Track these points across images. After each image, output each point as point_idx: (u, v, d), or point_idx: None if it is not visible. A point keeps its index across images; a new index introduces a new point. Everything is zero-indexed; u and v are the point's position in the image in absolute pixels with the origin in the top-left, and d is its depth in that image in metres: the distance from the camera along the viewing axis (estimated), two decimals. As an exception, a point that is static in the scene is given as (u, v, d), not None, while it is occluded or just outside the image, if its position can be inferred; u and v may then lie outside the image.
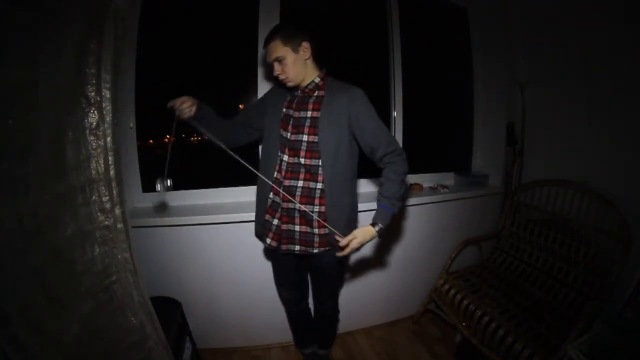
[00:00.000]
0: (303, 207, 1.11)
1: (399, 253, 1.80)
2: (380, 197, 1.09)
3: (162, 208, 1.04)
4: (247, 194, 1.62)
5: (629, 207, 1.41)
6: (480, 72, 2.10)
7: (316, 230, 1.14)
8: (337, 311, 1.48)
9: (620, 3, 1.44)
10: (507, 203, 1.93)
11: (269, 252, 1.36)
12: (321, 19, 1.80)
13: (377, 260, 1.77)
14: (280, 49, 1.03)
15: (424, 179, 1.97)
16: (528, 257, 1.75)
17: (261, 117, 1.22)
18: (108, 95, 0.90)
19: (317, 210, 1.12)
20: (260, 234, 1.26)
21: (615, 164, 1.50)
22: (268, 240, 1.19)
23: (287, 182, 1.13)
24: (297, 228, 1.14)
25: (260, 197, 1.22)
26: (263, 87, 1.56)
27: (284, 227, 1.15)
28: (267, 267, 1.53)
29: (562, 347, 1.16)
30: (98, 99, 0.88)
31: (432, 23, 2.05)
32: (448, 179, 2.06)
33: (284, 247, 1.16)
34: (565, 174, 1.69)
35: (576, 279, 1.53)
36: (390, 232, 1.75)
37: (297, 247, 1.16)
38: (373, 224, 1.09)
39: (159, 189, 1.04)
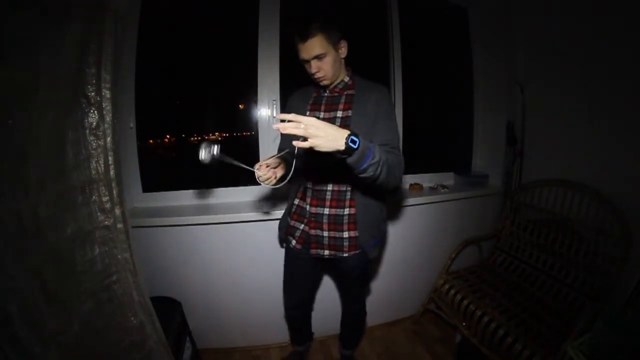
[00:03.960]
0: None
1: (399, 253, 1.80)
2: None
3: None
4: (247, 194, 1.63)
5: (629, 207, 1.41)
6: (480, 72, 2.09)
7: (345, 234, 1.11)
8: (365, 312, 1.46)
9: (620, 3, 1.44)
10: (507, 203, 1.92)
11: (288, 255, 1.30)
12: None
13: (377, 260, 1.77)
14: (323, 46, 0.96)
15: (424, 179, 1.97)
16: (528, 257, 1.74)
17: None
18: (108, 95, 0.90)
19: (347, 212, 1.09)
20: (282, 239, 1.25)
21: (615, 164, 1.50)
22: (293, 242, 1.18)
23: (317, 187, 1.11)
24: (325, 234, 1.12)
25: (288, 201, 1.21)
26: (263, 87, 1.56)
27: (313, 232, 1.13)
28: (267, 267, 1.54)
29: (562, 347, 1.16)
30: (98, 99, 0.89)
31: (432, 23, 2.05)
32: (448, 179, 2.06)
33: (313, 251, 1.15)
34: (565, 174, 1.69)
35: (576, 279, 1.53)
36: (390, 231, 1.75)
37: (327, 252, 1.13)
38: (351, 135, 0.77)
39: (203, 156, 0.85)
